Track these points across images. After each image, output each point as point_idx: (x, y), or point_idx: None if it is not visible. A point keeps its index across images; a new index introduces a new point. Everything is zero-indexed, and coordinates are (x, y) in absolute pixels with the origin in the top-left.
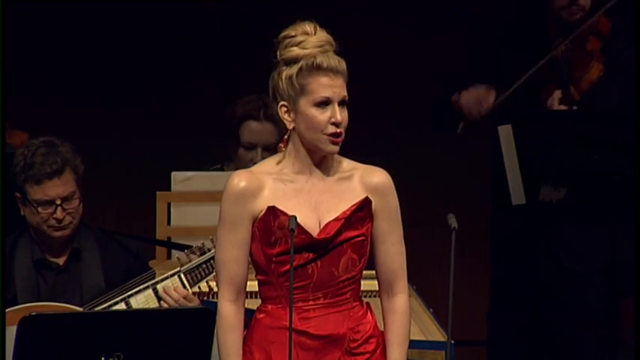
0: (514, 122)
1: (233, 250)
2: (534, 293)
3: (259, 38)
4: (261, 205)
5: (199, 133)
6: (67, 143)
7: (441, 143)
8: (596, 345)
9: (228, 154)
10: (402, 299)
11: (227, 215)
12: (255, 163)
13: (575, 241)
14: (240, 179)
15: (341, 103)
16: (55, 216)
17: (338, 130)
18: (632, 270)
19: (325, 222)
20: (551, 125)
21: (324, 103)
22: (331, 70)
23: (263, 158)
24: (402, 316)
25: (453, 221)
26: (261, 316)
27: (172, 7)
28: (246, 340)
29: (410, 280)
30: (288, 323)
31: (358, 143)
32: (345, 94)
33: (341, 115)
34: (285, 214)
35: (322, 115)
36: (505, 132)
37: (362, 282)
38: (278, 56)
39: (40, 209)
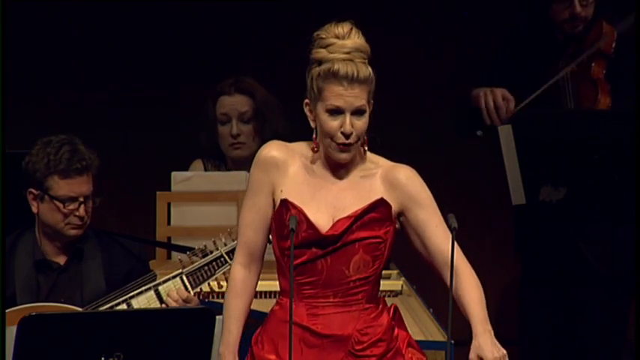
0: (514, 122)
1: (250, 215)
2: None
3: (265, 40)
4: (281, 180)
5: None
6: (83, 144)
7: (441, 143)
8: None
9: (217, 142)
10: (462, 267)
11: (252, 180)
12: (233, 136)
13: (603, 242)
14: (271, 148)
15: (355, 113)
16: (77, 213)
17: (346, 141)
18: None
19: (337, 219)
20: (551, 125)
21: (335, 112)
22: (346, 79)
23: (239, 130)
24: (470, 279)
25: (453, 221)
26: (277, 308)
27: (173, 7)
28: (261, 331)
29: (410, 280)
30: (295, 318)
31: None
32: (360, 104)
33: (353, 124)
34: (295, 207)
35: (333, 122)
36: (505, 132)
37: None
38: (311, 54)
39: (65, 205)
